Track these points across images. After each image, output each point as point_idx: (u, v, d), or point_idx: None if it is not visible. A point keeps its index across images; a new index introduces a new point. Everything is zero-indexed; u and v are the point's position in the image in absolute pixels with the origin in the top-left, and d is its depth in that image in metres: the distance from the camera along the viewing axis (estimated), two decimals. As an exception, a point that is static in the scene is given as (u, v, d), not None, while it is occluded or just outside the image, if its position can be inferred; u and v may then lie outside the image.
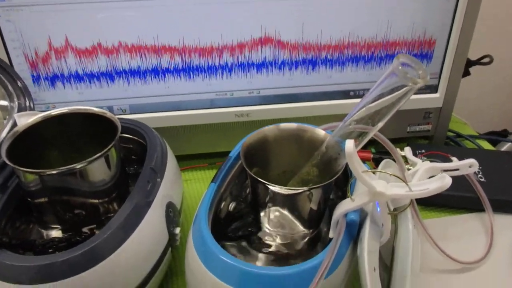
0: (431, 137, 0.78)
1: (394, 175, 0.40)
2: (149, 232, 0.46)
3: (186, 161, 0.75)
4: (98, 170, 0.46)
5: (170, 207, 0.50)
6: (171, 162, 0.55)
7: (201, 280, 0.41)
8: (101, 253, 0.41)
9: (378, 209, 0.44)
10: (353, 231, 0.42)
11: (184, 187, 0.70)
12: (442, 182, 0.37)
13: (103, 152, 0.45)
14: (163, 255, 0.49)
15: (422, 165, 0.54)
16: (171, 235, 0.50)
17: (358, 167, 0.38)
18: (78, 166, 0.44)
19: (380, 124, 0.42)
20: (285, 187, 0.42)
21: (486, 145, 0.82)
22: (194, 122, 0.69)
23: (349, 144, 0.37)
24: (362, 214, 0.43)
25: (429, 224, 0.54)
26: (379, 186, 0.39)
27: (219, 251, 0.40)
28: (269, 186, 0.43)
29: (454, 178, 0.39)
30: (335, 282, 0.41)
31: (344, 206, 0.42)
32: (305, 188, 0.43)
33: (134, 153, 0.57)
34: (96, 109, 0.50)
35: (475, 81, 0.84)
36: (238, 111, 0.68)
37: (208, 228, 0.42)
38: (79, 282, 0.40)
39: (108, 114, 0.49)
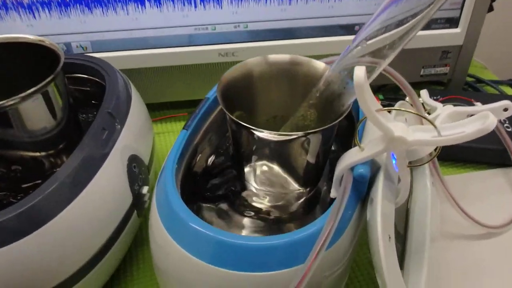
0: (447, 82, 0.68)
1: (418, 114, 0.30)
2: (105, 191, 0.37)
3: (161, 110, 0.66)
4: (36, 112, 0.36)
5: (134, 161, 0.41)
6: (138, 107, 0.45)
7: (167, 253, 0.32)
8: (42, 215, 0.32)
9: (394, 161, 0.34)
10: (362, 190, 0.33)
11: (158, 141, 0.61)
12: (484, 123, 0.28)
13: (39, 86, 0.35)
14: (126, 219, 0.40)
15: (444, 110, 0.45)
16: (136, 196, 0.41)
17: (370, 104, 0.28)
18: (8, 103, 0.34)
19: (394, 54, 0.32)
20: (274, 132, 0.33)
21: (510, 92, 0.71)
22: (168, 62, 0.58)
23: (359, 72, 0.27)
24: (374, 167, 0.33)
25: (448, 182, 0.44)
26: (398, 130, 0.30)
27: (188, 215, 0.31)
28: (254, 132, 0.33)
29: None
30: (338, 254, 0.32)
31: (351, 158, 0.32)
32: (300, 133, 0.33)
33: (94, 97, 0.47)
34: (31, 37, 0.39)
35: (498, 19, 0.73)
36: (222, 49, 0.58)
37: (175, 186, 0.33)
38: (14, 252, 0.31)
39: (47, 42, 0.39)
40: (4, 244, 0.31)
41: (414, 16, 0.29)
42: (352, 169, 0.32)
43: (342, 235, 0.31)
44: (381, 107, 0.31)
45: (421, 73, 0.66)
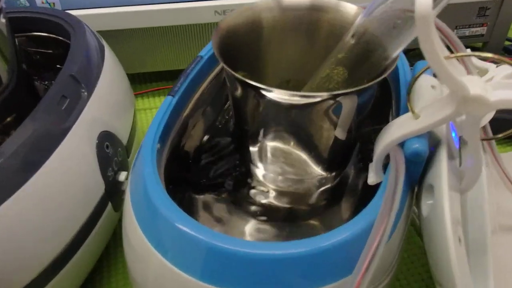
0: (483, 45, 0.60)
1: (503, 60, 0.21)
2: (67, 176, 0.29)
3: (146, 83, 0.56)
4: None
5: (106, 139, 0.32)
6: (113, 72, 0.36)
7: (145, 264, 0.23)
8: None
9: (454, 135, 0.26)
10: (415, 173, 0.24)
11: (143, 119, 0.51)
12: None
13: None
14: (98, 213, 0.32)
15: (499, 71, 0.36)
16: (110, 183, 0.32)
17: (437, 47, 0.19)
18: None
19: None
20: (293, 92, 0.23)
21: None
22: (153, 23, 0.49)
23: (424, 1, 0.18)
24: (432, 141, 0.24)
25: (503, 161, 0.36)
26: (475, 86, 0.20)
27: (173, 212, 0.22)
28: (264, 93, 0.24)
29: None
30: (389, 259, 0.23)
31: (401, 128, 0.23)
32: (328, 94, 0.24)
33: (59, 61, 0.38)
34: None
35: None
36: (218, 5, 0.48)
37: (156, 171, 0.24)
38: None
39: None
40: None
41: None
42: (401, 145, 0.23)
43: (393, 233, 0.22)
44: (448, 53, 0.22)
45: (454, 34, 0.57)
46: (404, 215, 0.24)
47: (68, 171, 0.28)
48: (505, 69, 0.36)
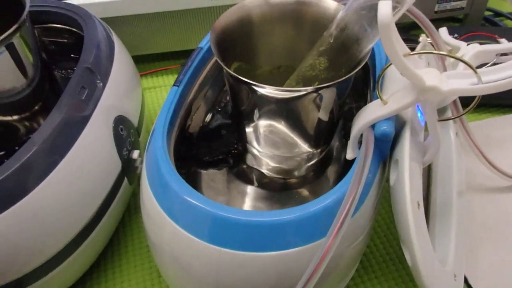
0: (464, 18, 0.62)
1: (461, 60, 0.25)
2: (90, 157, 0.33)
3: (149, 63, 0.60)
4: (3, 69, 0.31)
5: (121, 123, 0.36)
6: (122, 60, 0.40)
7: (159, 227, 0.28)
8: (16, 189, 0.29)
9: (419, 114, 0.30)
10: (384, 150, 0.29)
11: (148, 98, 0.55)
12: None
13: (1, 38, 0.29)
14: (116, 187, 0.36)
15: (469, 49, 0.39)
16: (126, 161, 0.36)
17: (397, 48, 0.23)
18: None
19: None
20: (280, 88, 0.28)
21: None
22: (154, 8, 0.52)
23: (384, 9, 0.22)
24: (398, 123, 0.28)
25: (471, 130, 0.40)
26: (430, 78, 0.25)
27: (182, 186, 0.26)
28: (256, 88, 0.28)
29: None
30: (360, 224, 0.28)
31: (372, 113, 0.28)
32: (311, 89, 0.28)
33: (73, 50, 0.42)
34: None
35: None
36: (214, -9, 0.51)
37: (166, 150, 0.29)
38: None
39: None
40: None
41: None
42: (373, 126, 0.28)
43: (364, 201, 0.27)
44: (409, 50, 0.26)
45: (436, 9, 0.59)
46: (376, 185, 0.28)
47: (91, 153, 0.33)
48: (473, 47, 0.40)
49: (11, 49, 0.31)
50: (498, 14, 0.65)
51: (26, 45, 0.32)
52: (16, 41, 0.31)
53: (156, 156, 0.28)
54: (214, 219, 0.25)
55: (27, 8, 0.31)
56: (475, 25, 0.61)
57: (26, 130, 0.35)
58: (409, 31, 0.60)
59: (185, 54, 0.58)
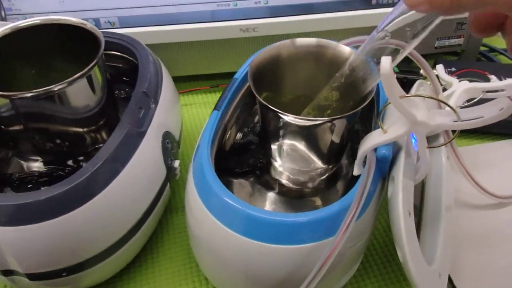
0: (461, 52, 0.69)
1: (443, 102, 0.32)
2: (144, 166, 0.40)
3: (184, 83, 0.67)
4: (80, 93, 0.39)
5: (167, 137, 0.44)
6: (167, 84, 0.47)
7: (202, 223, 0.35)
8: (89, 190, 0.35)
9: (414, 141, 0.37)
10: (384, 168, 0.36)
11: (183, 113, 0.63)
12: (500, 109, 0.30)
13: (84, 71, 0.37)
14: (161, 191, 0.43)
15: (460, 86, 0.46)
16: (169, 169, 0.44)
17: (395, 92, 0.31)
18: (56, 88, 0.36)
19: (418, 39, 0.33)
20: (302, 117, 0.35)
21: (524, 61, 0.72)
22: (192, 38, 0.60)
23: (386, 63, 0.29)
24: (395, 148, 0.36)
25: (462, 153, 0.47)
26: (420, 115, 0.32)
27: (223, 192, 0.34)
28: (282, 116, 0.35)
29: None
30: (363, 227, 0.35)
31: (374, 139, 0.35)
32: (327, 119, 0.35)
33: (125, 74, 0.50)
34: (74, 20, 0.41)
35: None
36: (243, 24, 0.59)
37: (210, 163, 0.36)
38: (63, 224, 0.34)
39: (89, 26, 0.41)
40: (57, 215, 0.34)
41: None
42: (375, 149, 0.35)
43: (366, 210, 0.34)
44: (404, 93, 0.33)
45: (436, 45, 0.67)
46: (376, 196, 0.36)
47: (145, 163, 0.40)
48: (463, 84, 0.47)
49: (88, 78, 0.38)
50: (492, 49, 0.73)
51: (99, 73, 0.40)
52: (92, 71, 0.38)
53: (202, 167, 0.35)
54: (248, 217, 0.32)
55: (102, 46, 0.39)
56: (471, 59, 0.68)
57: (91, 141, 0.42)
58: (411, 62, 0.67)
59: (213, 77, 0.67)
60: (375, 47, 0.35)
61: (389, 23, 0.33)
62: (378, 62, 0.35)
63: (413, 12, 0.31)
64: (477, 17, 0.29)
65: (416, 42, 0.33)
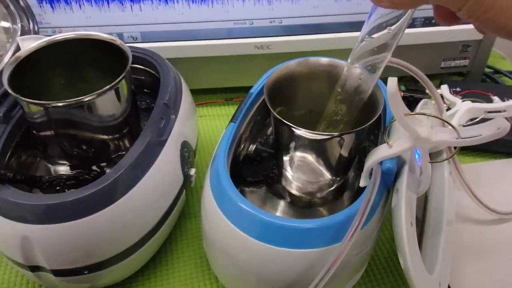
0: (466, 73, 0.72)
1: (444, 120, 0.35)
2: (163, 173, 0.43)
3: (200, 95, 0.70)
4: (108, 103, 0.42)
5: (185, 146, 0.47)
6: (186, 97, 0.50)
7: (217, 226, 0.38)
8: (113, 194, 0.38)
9: (417, 156, 0.40)
10: (388, 181, 0.38)
11: (199, 124, 0.66)
12: (497, 128, 0.32)
13: (113, 84, 0.40)
14: (178, 197, 0.46)
15: (463, 106, 0.49)
16: (186, 177, 0.46)
17: (400, 110, 0.33)
18: (86, 98, 0.39)
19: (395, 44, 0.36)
20: (314, 132, 0.38)
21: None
22: (209, 53, 0.63)
23: (392, 83, 0.32)
24: (399, 161, 0.38)
25: (464, 170, 0.49)
26: (423, 131, 0.35)
27: (239, 198, 0.36)
28: (295, 130, 0.38)
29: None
30: (367, 236, 0.37)
31: (380, 153, 0.37)
32: (336, 133, 0.38)
33: (146, 86, 0.53)
34: (105, 35, 0.45)
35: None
36: (258, 42, 0.62)
37: (226, 172, 0.38)
38: (87, 224, 0.37)
39: (118, 42, 0.44)
40: (82, 216, 0.37)
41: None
42: (380, 163, 0.37)
43: (371, 219, 0.37)
44: (409, 111, 0.36)
45: (442, 65, 0.69)
46: (381, 206, 0.38)
47: (164, 170, 0.42)
48: (466, 104, 0.50)
49: (116, 90, 0.41)
50: (497, 71, 0.75)
51: (125, 85, 0.43)
52: (120, 84, 0.41)
53: (219, 174, 0.38)
54: (261, 221, 0.35)
55: (130, 61, 0.42)
56: (476, 80, 0.71)
57: (115, 148, 0.45)
58: (417, 82, 0.70)
59: (228, 90, 0.70)
60: (359, 55, 0.38)
61: (367, 29, 0.36)
62: (366, 67, 0.38)
63: (384, 13, 0.34)
64: (437, 9, 0.32)
65: (394, 46, 0.35)
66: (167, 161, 0.43)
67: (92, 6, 0.58)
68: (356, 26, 0.63)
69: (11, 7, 0.50)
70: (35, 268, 0.39)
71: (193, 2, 0.58)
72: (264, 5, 0.60)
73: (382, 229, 0.51)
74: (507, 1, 0.26)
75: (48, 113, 0.40)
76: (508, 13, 0.27)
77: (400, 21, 0.34)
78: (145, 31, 0.60)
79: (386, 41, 0.35)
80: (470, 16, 0.28)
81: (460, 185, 0.49)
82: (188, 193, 0.49)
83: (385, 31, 0.35)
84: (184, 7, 0.59)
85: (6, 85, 0.39)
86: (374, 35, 0.36)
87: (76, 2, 0.57)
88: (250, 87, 0.48)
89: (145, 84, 0.52)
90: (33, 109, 0.40)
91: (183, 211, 0.52)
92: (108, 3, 0.57)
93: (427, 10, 0.62)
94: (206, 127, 0.66)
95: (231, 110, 0.69)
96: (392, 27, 0.34)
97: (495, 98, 0.55)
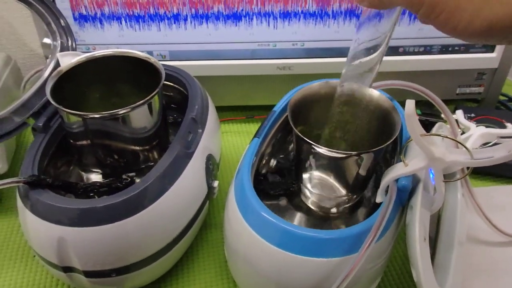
0: (481, 100, 0.74)
1: (457, 142, 0.37)
2: (189, 184, 0.45)
3: (223, 112, 0.73)
4: (141, 117, 0.45)
5: (210, 159, 0.49)
6: (212, 112, 0.53)
7: (240, 235, 0.40)
8: (142, 202, 0.40)
9: (431, 176, 0.42)
10: (403, 198, 0.40)
11: (222, 140, 0.69)
12: (509, 150, 0.34)
13: (147, 98, 0.43)
14: (201, 208, 0.48)
15: (476, 130, 0.51)
16: (210, 188, 0.49)
17: (417, 130, 0.36)
18: (121, 112, 0.42)
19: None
20: (333, 150, 0.40)
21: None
22: (234, 72, 0.66)
23: (410, 105, 0.34)
24: (414, 180, 0.40)
25: (476, 193, 0.51)
26: (437, 152, 0.37)
27: (262, 208, 0.38)
28: (315, 147, 0.40)
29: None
30: (381, 249, 0.39)
31: (396, 171, 0.40)
32: (355, 152, 0.40)
33: (174, 102, 0.56)
34: (140, 54, 0.48)
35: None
36: (280, 63, 0.65)
37: (250, 183, 0.41)
38: (117, 229, 0.40)
39: (152, 60, 0.47)
40: (111, 221, 0.39)
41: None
42: (396, 180, 0.40)
43: (386, 233, 0.39)
44: (424, 132, 0.38)
45: (457, 92, 0.71)
46: (395, 222, 0.40)
47: (190, 182, 0.45)
48: (480, 129, 0.52)
49: (149, 104, 0.44)
50: (511, 99, 0.77)
51: (157, 100, 0.46)
52: (153, 98, 0.44)
53: (244, 185, 0.41)
54: (283, 231, 0.37)
55: (163, 78, 0.45)
56: (490, 106, 0.73)
57: (144, 159, 0.48)
58: (433, 107, 0.72)
59: (249, 108, 0.72)
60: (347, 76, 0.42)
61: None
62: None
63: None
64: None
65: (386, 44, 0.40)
66: (194, 173, 0.46)
67: (125, 25, 0.61)
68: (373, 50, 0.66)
69: (53, 25, 0.54)
70: (67, 269, 0.41)
71: (221, 24, 0.62)
72: (287, 29, 0.63)
73: (396, 247, 0.53)
74: (455, 6, 0.30)
75: (85, 124, 0.43)
76: (457, 16, 0.30)
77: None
78: (173, 50, 0.64)
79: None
80: (426, 18, 0.32)
81: (472, 207, 0.51)
82: (210, 204, 0.51)
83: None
84: (212, 29, 0.62)
85: (49, 97, 0.42)
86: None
87: (110, 22, 0.61)
88: (271, 106, 0.50)
89: (174, 100, 0.56)
90: (72, 120, 0.43)
91: (205, 222, 0.54)
92: (139, 24, 0.61)
93: (444, 38, 0.65)
94: (227, 143, 0.69)
95: (251, 127, 0.72)
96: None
97: (509, 125, 0.57)
